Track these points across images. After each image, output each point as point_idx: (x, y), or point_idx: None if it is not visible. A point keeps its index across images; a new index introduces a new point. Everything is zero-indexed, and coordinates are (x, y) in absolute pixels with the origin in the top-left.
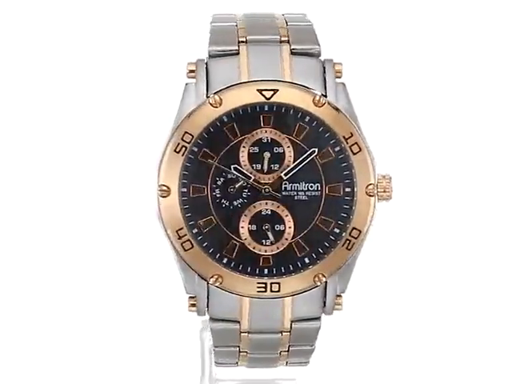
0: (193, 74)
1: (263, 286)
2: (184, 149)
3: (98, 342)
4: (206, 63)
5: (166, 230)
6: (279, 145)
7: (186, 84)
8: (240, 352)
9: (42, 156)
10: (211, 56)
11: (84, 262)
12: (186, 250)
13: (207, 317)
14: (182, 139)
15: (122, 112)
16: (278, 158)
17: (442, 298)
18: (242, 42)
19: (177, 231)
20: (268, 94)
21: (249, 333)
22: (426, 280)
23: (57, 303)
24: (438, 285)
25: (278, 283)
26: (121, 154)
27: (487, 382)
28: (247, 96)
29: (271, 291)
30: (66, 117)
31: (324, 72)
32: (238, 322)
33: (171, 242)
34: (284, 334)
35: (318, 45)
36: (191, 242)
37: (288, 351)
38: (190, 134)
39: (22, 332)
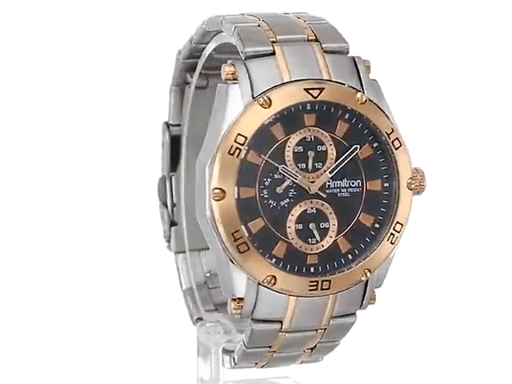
0: (232, 76)
1: (315, 284)
2: (238, 151)
3: (93, 343)
4: (245, 64)
5: (219, 234)
6: (322, 143)
7: (227, 85)
8: (268, 352)
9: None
10: (248, 57)
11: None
12: (241, 253)
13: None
14: (236, 141)
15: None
16: (321, 157)
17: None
18: (274, 42)
19: (232, 234)
20: (315, 92)
21: (287, 332)
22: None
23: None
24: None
25: (329, 281)
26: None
27: None
28: (295, 95)
29: (321, 289)
30: (63, 117)
31: (357, 69)
32: (281, 322)
33: (224, 245)
34: (319, 331)
35: (346, 42)
36: (247, 244)
37: (314, 348)
38: (243, 136)
39: (15, 331)
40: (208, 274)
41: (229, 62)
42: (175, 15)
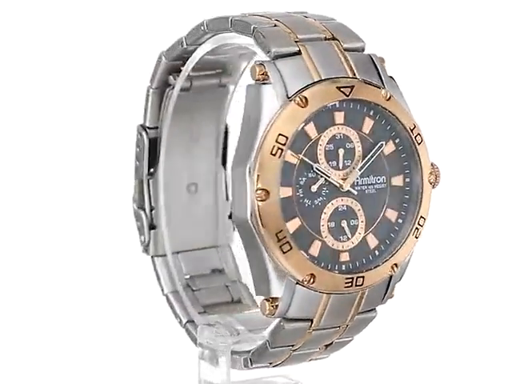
0: (262, 76)
1: (350, 280)
2: (280, 151)
3: (91, 348)
4: (274, 64)
5: (261, 235)
6: (350, 140)
7: (260, 86)
8: (289, 350)
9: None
10: (276, 57)
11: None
12: (284, 253)
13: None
14: (277, 141)
15: None
16: (350, 154)
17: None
18: (296, 41)
19: (276, 234)
20: (347, 90)
21: (314, 330)
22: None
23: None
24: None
25: (363, 277)
26: None
27: None
28: (330, 94)
29: (356, 285)
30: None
31: (375, 66)
32: (311, 320)
33: (266, 246)
34: (342, 327)
35: (363, 40)
36: (289, 244)
37: (329, 345)
38: (284, 136)
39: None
40: (188, 277)
41: (256, 62)
42: (142, 19)
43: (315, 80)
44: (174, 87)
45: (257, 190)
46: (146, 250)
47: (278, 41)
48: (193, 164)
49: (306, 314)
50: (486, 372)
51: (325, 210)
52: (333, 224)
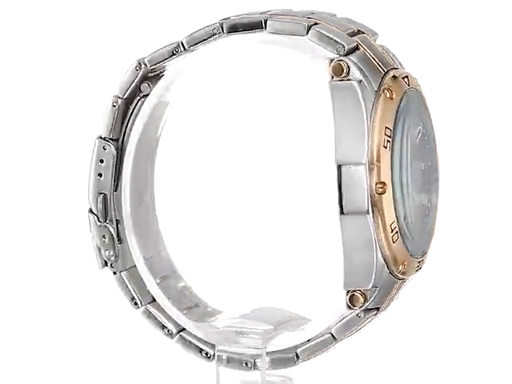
0: (345, 73)
1: (418, 264)
2: (389, 143)
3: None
4: (351, 60)
5: (378, 226)
6: None
7: (348, 83)
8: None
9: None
10: (347, 53)
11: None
12: (393, 242)
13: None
14: (385, 134)
15: None
16: None
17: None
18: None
19: (390, 225)
20: (406, 80)
21: (371, 318)
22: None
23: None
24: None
25: (423, 260)
26: None
27: None
28: (402, 85)
29: (419, 269)
30: None
31: (392, 56)
32: (378, 309)
33: (378, 238)
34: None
35: (376, 32)
36: (398, 234)
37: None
38: (389, 129)
39: None
40: (159, 281)
41: (332, 59)
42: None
43: (383, 72)
44: (146, 95)
45: (377, 183)
46: (111, 265)
47: (341, 37)
48: (139, 173)
49: (380, 302)
50: (485, 370)
51: None
52: None
